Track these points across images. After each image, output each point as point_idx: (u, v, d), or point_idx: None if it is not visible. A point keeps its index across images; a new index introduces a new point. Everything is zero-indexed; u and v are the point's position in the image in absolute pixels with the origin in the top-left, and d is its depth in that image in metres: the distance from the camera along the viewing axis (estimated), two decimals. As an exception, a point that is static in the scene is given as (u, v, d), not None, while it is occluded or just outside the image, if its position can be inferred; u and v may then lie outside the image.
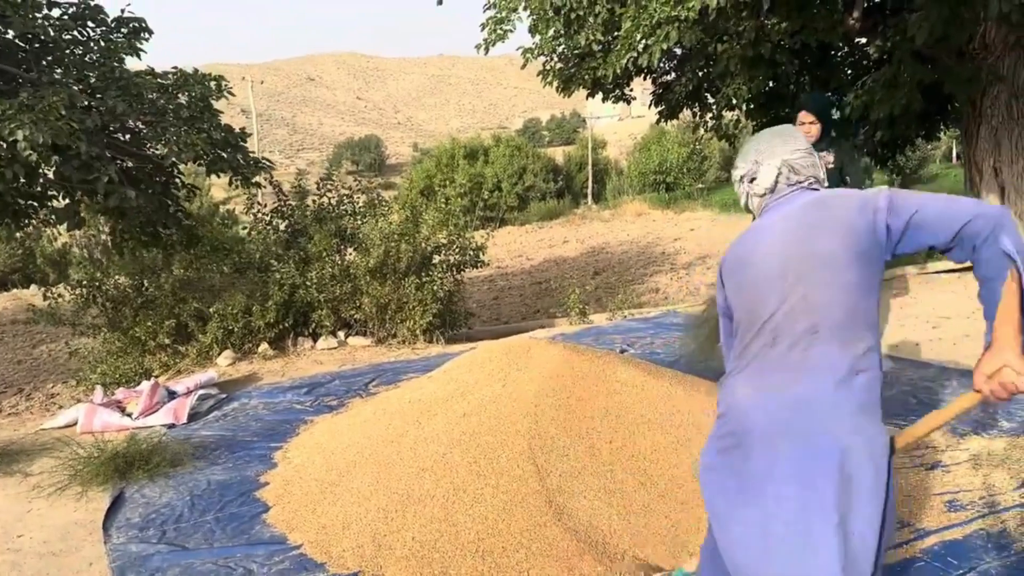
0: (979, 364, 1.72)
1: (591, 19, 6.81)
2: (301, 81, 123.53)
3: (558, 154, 40.91)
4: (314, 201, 8.23)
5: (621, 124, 63.58)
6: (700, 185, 36.22)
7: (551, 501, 3.15)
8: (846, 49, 9.42)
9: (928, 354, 5.60)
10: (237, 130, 7.67)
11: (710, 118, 9.39)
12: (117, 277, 7.40)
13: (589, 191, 37.73)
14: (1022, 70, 7.75)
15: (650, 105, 9.82)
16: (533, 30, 7.41)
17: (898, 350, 5.75)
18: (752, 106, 9.05)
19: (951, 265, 8.27)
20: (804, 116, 4.60)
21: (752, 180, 2.16)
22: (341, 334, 7.30)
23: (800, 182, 2.08)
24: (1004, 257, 1.70)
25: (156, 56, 10.23)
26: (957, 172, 29.10)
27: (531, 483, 3.22)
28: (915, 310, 6.84)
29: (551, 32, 7.30)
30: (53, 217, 7.35)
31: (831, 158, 4.66)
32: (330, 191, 8.28)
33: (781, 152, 2.11)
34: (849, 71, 9.42)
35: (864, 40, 8.63)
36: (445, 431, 3.67)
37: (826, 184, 2.16)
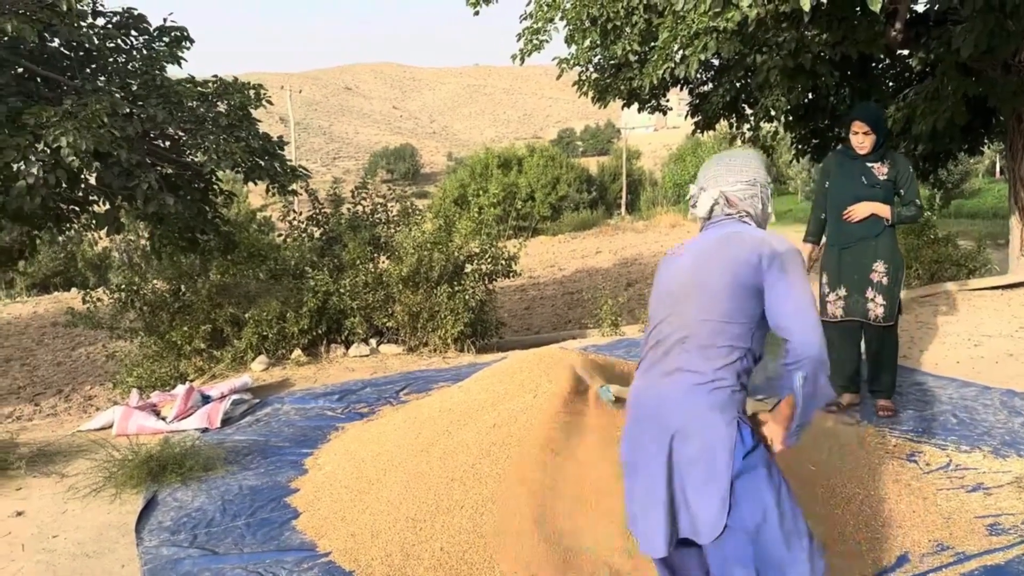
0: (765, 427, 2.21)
1: (628, 29, 6.78)
2: (339, 90, 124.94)
3: (592, 164, 40.88)
4: (349, 209, 8.29)
5: (656, 135, 63.38)
6: (736, 197, 35.92)
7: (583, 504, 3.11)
8: (887, 61, 9.28)
9: (969, 373, 5.46)
10: (275, 138, 7.75)
11: (748, 129, 9.29)
12: (155, 282, 7.50)
13: (623, 201, 37.62)
14: (1070, 84, 7.56)
15: (686, 116, 9.75)
16: (569, 40, 7.41)
17: (938, 368, 5.62)
18: (791, 117, 8.95)
19: (994, 282, 8.09)
20: (858, 126, 4.53)
21: (694, 205, 2.40)
22: (373, 342, 7.33)
23: (731, 214, 2.33)
24: (792, 386, 2.06)
25: (198, 64, 10.32)
26: (1000, 187, 28.53)
27: (557, 495, 3.19)
28: (956, 328, 6.69)
29: (587, 42, 7.28)
30: (94, 222, 7.49)
31: (886, 169, 4.58)
32: (364, 199, 8.33)
33: (723, 183, 2.34)
34: (891, 83, 9.28)
35: (906, 52, 8.50)
36: (475, 441, 3.65)
37: (764, 216, 2.36)
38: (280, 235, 8.61)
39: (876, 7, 3.51)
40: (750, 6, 3.54)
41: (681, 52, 5.90)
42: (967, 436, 4.25)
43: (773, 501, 2.12)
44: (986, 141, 9.61)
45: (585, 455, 3.37)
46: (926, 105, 7.54)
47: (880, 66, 9.32)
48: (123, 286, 7.19)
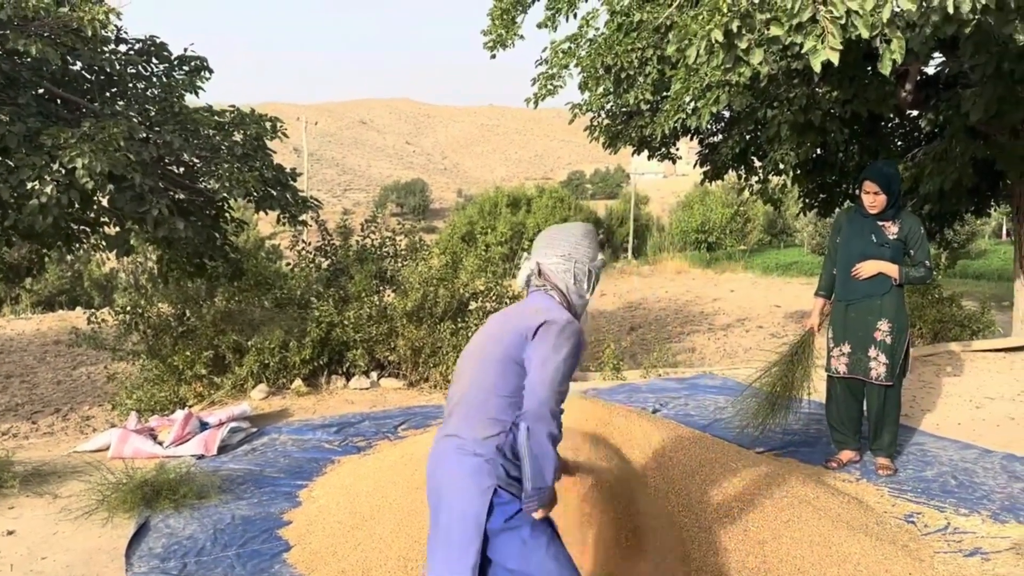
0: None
1: (641, 79, 6.88)
2: (353, 124, 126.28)
3: (600, 207, 41.16)
4: (357, 241, 8.34)
5: (665, 181, 63.82)
6: (742, 247, 36.04)
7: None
8: (897, 120, 9.38)
9: (970, 435, 5.43)
10: (288, 169, 7.84)
11: (756, 181, 9.37)
12: (160, 305, 7.53)
13: (630, 246, 37.74)
14: (1077, 151, 7.63)
15: (695, 165, 9.84)
16: (583, 87, 7.51)
17: (939, 429, 5.59)
18: (799, 171, 9.02)
19: (998, 344, 8.08)
20: (868, 186, 4.56)
21: (515, 275, 2.51)
22: (374, 375, 7.32)
23: (540, 286, 2.39)
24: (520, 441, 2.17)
25: (215, 92, 10.50)
26: (1006, 249, 28.58)
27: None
28: (958, 389, 6.67)
29: (600, 89, 7.38)
30: (103, 244, 7.55)
31: (896, 228, 4.60)
32: (373, 232, 8.38)
33: (541, 255, 2.42)
34: (899, 142, 9.37)
35: (916, 113, 8.60)
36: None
37: (578, 292, 2.39)
38: (288, 264, 8.65)
39: (886, 70, 3.57)
40: (761, 63, 3.60)
41: (693, 104, 5.98)
42: (966, 499, 4.22)
43: (537, 559, 2.21)
44: (993, 203, 9.67)
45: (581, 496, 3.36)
46: (934, 166, 7.62)
47: (889, 125, 9.42)
48: (128, 308, 7.21)
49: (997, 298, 12.64)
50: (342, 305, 7.35)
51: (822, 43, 3.17)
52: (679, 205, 40.31)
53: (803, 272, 26.99)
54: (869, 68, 7.42)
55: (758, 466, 3.89)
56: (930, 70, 8.29)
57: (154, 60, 7.77)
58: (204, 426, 5.58)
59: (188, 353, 6.81)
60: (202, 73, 7.91)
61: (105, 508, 4.23)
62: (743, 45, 3.47)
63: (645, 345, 12.76)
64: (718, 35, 3.45)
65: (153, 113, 7.23)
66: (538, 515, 2.20)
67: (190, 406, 6.48)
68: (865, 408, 4.85)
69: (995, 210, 12.14)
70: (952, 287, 11.25)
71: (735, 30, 3.43)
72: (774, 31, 3.35)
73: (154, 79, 7.74)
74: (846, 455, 4.86)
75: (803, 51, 3.30)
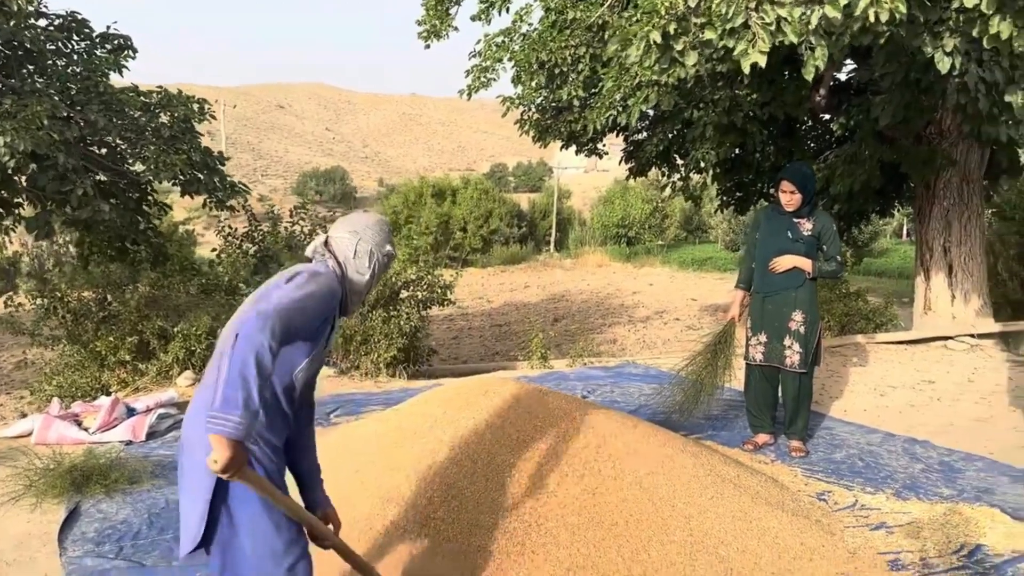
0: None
1: (573, 75, 7.06)
2: (270, 108, 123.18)
3: (523, 200, 41.40)
4: (286, 228, 8.27)
5: (586, 176, 64.59)
6: (660, 242, 36.90)
7: (515, 538, 3.23)
8: (810, 123, 9.85)
9: (875, 420, 5.81)
10: (216, 153, 7.72)
11: (678, 178, 9.68)
12: (78, 291, 7.31)
13: (552, 239, 38.16)
14: (973, 157, 8.20)
15: (620, 161, 10.09)
16: (516, 81, 7.64)
17: (847, 414, 5.96)
18: (718, 170, 9.38)
19: (900, 337, 8.60)
20: (785, 185, 4.82)
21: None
22: (304, 362, 7.30)
23: (321, 255, 2.43)
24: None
25: (127, 74, 10.04)
26: (906, 248, 30.11)
27: (498, 518, 3.30)
28: (864, 378, 7.09)
29: (534, 83, 7.53)
30: (16, 225, 7.29)
31: (810, 225, 4.88)
32: (303, 219, 8.33)
33: (332, 231, 2.50)
34: (812, 144, 9.83)
35: (828, 116, 9.06)
36: (412, 464, 3.73)
37: (356, 265, 2.43)
38: (214, 250, 8.51)
39: (809, 75, 3.81)
40: (694, 65, 3.80)
41: (624, 101, 6.19)
42: (872, 479, 4.54)
43: (263, 525, 2.18)
44: (897, 204, 10.25)
45: (528, 473, 3.50)
46: (845, 167, 8.05)
47: (803, 128, 9.87)
48: (46, 292, 6.99)
49: (898, 294, 13.37)
50: (272, 292, 7.28)
51: (752, 47, 3.38)
52: (600, 200, 40.97)
53: (717, 267, 27.84)
54: (786, 73, 7.80)
55: (684, 448, 4.11)
56: (842, 76, 8.75)
57: (75, 37, 7.53)
58: (131, 412, 5.50)
59: (111, 339, 6.65)
60: (126, 52, 7.70)
61: (33, 494, 4.15)
62: (679, 47, 3.66)
63: (569, 336, 13.02)
64: (656, 36, 3.63)
65: (75, 91, 7.01)
66: (213, 459, 1.93)
67: (114, 392, 6.35)
68: (780, 394, 5.15)
69: (898, 211, 12.84)
70: (856, 283, 11.85)
71: (672, 32, 3.62)
72: (708, 34, 3.55)
73: (75, 56, 7.50)
74: (762, 438, 5.16)
75: (735, 54, 3.51)
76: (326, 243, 2.45)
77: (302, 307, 2.15)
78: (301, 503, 2.45)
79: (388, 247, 2.53)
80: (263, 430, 2.19)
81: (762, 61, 3.52)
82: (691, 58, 3.71)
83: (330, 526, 2.54)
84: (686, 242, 39.10)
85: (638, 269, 28.01)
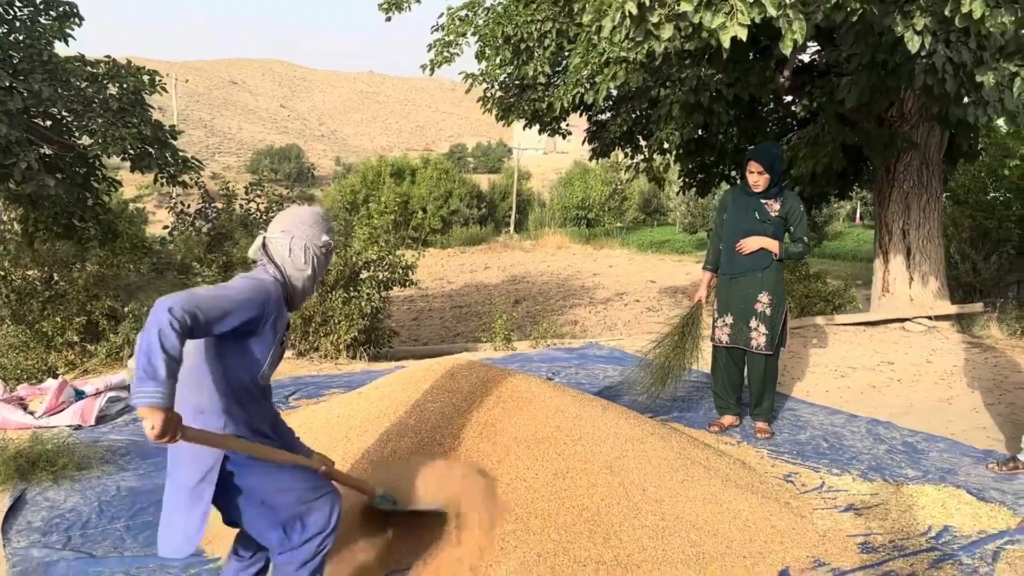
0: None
1: (539, 51, 6.93)
2: (223, 84, 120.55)
3: (483, 181, 41.14)
4: (241, 206, 8.03)
5: (545, 158, 64.47)
6: (619, 224, 37.01)
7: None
8: (772, 105, 9.85)
9: (837, 401, 5.84)
10: (167, 127, 7.44)
11: (641, 159, 9.63)
12: (22, 269, 7.01)
13: (512, 220, 38.04)
14: (933, 140, 8.27)
15: (584, 142, 10.01)
16: (480, 56, 7.49)
17: (809, 396, 5.98)
18: (681, 151, 9.34)
19: (859, 319, 8.69)
20: (753, 166, 4.77)
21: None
22: (261, 344, 7.11)
23: (262, 260, 2.50)
24: None
25: (72, 44, 9.65)
26: (860, 232, 30.63)
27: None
28: (824, 359, 7.14)
29: (498, 59, 7.38)
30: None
31: (778, 206, 4.84)
32: (259, 197, 8.09)
33: (269, 230, 2.55)
34: (774, 126, 9.85)
35: (790, 98, 9.06)
36: (376, 448, 3.62)
37: (294, 265, 2.49)
38: (166, 227, 8.23)
39: (787, 50, 3.73)
40: (669, 38, 3.71)
41: (591, 79, 6.08)
42: (837, 460, 4.54)
43: (277, 473, 2.42)
44: (856, 187, 10.34)
45: (496, 459, 3.41)
46: (807, 149, 8.07)
47: (765, 110, 9.88)
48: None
49: (852, 277, 13.56)
50: (226, 271, 7.08)
51: (731, 20, 3.30)
52: (560, 181, 40.91)
53: (675, 250, 28.01)
54: (750, 54, 7.76)
55: (654, 431, 4.06)
56: (805, 58, 8.75)
57: (17, 3, 7.16)
58: (80, 395, 5.28)
59: (58, 319, 6.39)
60: (71, 20, 7.36)
61: (-26, 481, 3.95)
62: (654, 19, 3.56)
63: (530, 317, 12.96)
64: (632, 7, 3.52)
65: (16, 60, 6.67)
66: (146, 426, 2.05)
67: (62, 374, 6.10)
68: (746, 376, 5.13)
69: (855, 194, 12.98)
70: (813, 265, 11.98)
71: (647, 3, 3.52)
72: (684, 6, 3.45)
73: (16, 24, 7.14)
74: (727, 420, 5.14)
75: (713, 27, 3.42)
76: (264, 246, 2.51)
77: (218, 294, 2.25)
78: None
79: (324, 237, 2.56)
80: (254, 423, 2.45)
81: (743, 34, 3.44)
82: (666, 31, 3.62)
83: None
84: (644, 224, 39.28)
85: (597, 251, 28.05)
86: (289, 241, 2.48)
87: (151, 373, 2.03)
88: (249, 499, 2.41)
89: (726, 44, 3.51)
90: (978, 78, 4.81)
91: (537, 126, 9.27)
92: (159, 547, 2.38)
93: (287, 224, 2.52)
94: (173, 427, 2.08)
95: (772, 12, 3.34)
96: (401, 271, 7.81)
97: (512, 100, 8.55)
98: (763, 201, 4.86)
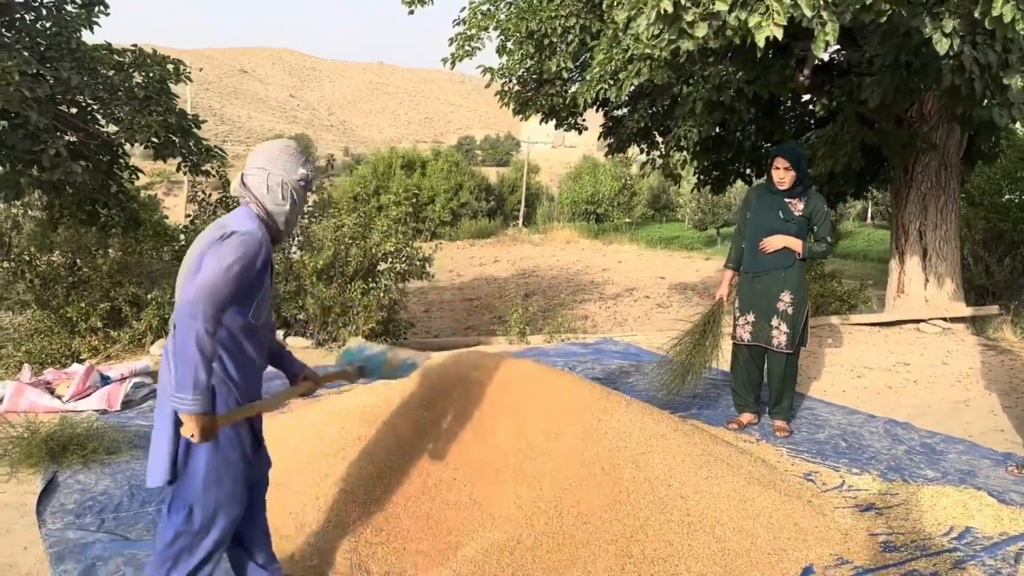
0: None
1: (563, 47, 6.95)
2: (233, 72, 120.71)
3: (491, 174, 41.15)
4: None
5: (553, 152, 64.45)
6: (628, 219, 36.99)
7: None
8: (790, 104, 9.85)
9: (854, 401, 5.86)
10: (191, 115, 7.49)
11: (658, 156, 9.64)
12: (47, 255, 7.08)
13: (520, 214, 38.05)
14: (952, 141, 8.27)
15: (599, 137, 10.01)
16: (501, 50, 7.51)
17: (827, 395, 6.01)
18: (698, 148, 9.34)
19: (874, 319, 8.70)
20: (779, 162, 4.80)
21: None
22: (280, 333, 7.17)
23: (244, 197, 2.48)
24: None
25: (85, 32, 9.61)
26: (871, 232, 30.56)
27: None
28: (840, 359, 7.16)
29: (519, 54, 7.40)
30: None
31: (802, 206, 4.86)
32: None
33: (246, 167, 2.52)
34: (793, 125, 9.84)
35: (808, 97, 9.06)
36: (410, 439, 3.66)
37: (272, 201, 2.46)
38: (188, 215, 8.27)
39: (820, 51, 3.72)
40: (703, 37, 3.73)
41: (615, 75, 6.10)
42: (856, 460, 4.58)
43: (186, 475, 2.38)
44: (872, 187, 10.33)
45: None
46: (826, 149, 8.06)
47: (783, 109, 9.87)
48: (15, 255, 6.75)
49: (864, 277, 13.56)
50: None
51: (768, 20, 3.33)
52: (569, 176, 40.89)
53: (684, 246, 28.03)
54: (770, 53, 7.76)
55: (677, 427, 4.09)
56: (825, 57, 8.74)
57: (44, -10, 7.21)
58: (106, 380, 5.34)
59: (83, 304, 6.45)
60: (98, 8, 7.41)
61: (7, 463, 4.02)
62: (688, 18, 3.59)
63: (541, 311, 12.99)
64: (667, 5, 3.55)
65: (44, 47, 6.72)
66: (185, 431, 2.22)
67: (84, 359, 6.17)
68: (765, 374, 5.16)
69: (870, 194, 12.95)
70: (828, 264, 11.98)
71: (683, 2, 3.55)
72: (719, 6, 3.48)
73: (43, 11, 7.19)
74: (746, 417, 5.17)
75: (750, 25, 3.44)
76: (243, 182, 2.49)
77: (229, 277, 2.25)
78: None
79: (301, 170, 2.54)
80: (237, 379, 2.40)
81: (779, 34, 3.47)
82: (700, 29, 3.64)
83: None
84: (653, 220, 39.26)
85: (606, 246, 28.06)
86: (266, 178, 2.46)
87: (191, 383, 2.16)
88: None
89: (760, 43, 3.53)
90: (1005, 81, 4.82)
91: (554, 121, 9.29)
92: (147, 479, 2.42)
93: (262, 160, 2.49)
94: (210, 430, 2.23)
95: (807, 12, 3.37)
96: (419, 263, 7.85)
97: (530, 95, 8.57)
98: (787, 200, 4.89)
